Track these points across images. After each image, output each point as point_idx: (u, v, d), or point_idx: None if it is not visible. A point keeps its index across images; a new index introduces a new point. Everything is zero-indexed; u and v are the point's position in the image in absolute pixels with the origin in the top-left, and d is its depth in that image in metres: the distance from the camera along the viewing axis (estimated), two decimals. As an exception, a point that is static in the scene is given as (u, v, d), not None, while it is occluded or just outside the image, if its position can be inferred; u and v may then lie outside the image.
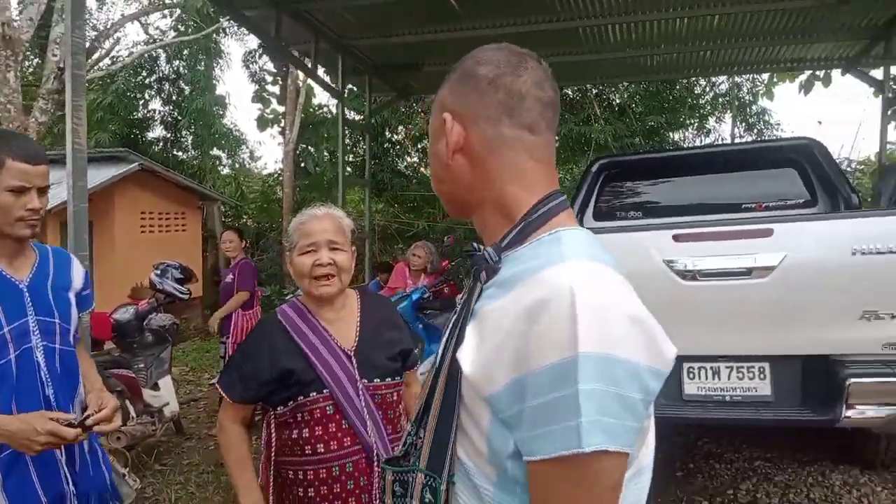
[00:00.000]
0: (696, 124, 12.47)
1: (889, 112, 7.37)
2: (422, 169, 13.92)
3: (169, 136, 14.72)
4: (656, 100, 11.71)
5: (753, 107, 12.50)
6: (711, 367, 3.03)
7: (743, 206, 4.60)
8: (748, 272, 2.90)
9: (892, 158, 11.63)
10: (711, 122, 12.75)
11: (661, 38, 6.42)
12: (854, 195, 4.13)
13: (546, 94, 0.88)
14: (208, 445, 4.66)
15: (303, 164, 13.06)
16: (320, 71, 6.51)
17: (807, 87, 9.92)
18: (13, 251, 1.69)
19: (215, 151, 14.65)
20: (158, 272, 4.77)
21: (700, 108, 12.44)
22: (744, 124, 12.59)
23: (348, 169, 14.82)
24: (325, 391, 1.67)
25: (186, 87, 14.00)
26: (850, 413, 2.69)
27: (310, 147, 13.37)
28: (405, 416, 1.84)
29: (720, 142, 12.60)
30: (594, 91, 11.76)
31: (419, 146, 13.54)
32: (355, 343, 1.76)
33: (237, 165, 16.04)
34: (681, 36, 6.39)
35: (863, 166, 16.79)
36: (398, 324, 1.91)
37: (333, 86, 6.76)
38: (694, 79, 11.77)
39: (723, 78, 12.19)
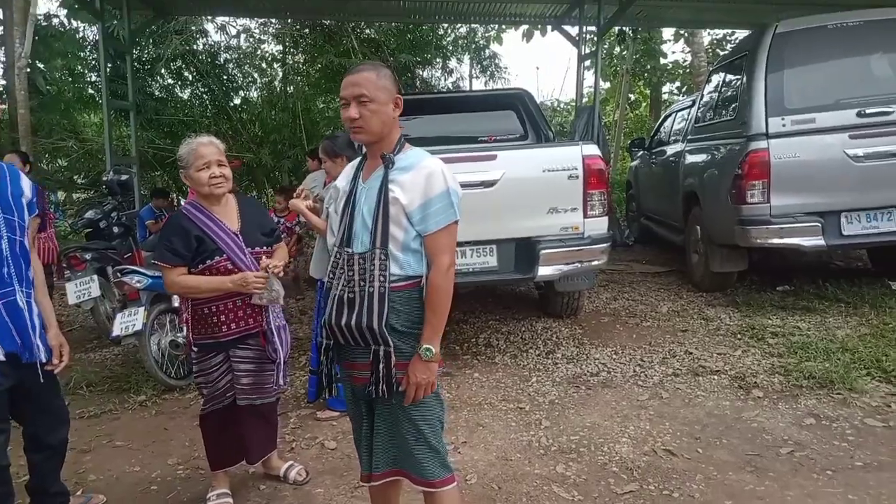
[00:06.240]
0: (441, 64, 14.02)
1: (582, 64, 9.56)
2: (177, 91, 13.50)
3: None
4: (406, 38, 12.92)
5: (487, 51, 14.44)
6: (460, 250, 4.36)
7: (479, 138, 6.06)
8: (482, 184, 4.25)
9: (589, 102, 14.25)
10: (453, 62, 14.44)
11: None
12: (550, 132, 5.81)
13: None
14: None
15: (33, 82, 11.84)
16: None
17: (528, 36, 11.94)
18: None
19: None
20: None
21: (444, 48, 13.99)
22: (479, 66, 14.51)
23: (90, 91, 13.71)
24: (223, 255, 2.58)
25: None
26: (541, 272, 4.26)
27: (38, 63, 12.13)
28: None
29: (461, 80, 14.43)
30: (351, 25, 12.51)
31: (172, 67, 13.07)
32: (239, 226, 2.69)
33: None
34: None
35: (569, 106, 20.29)
36: (264, 212, 2.96)
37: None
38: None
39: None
